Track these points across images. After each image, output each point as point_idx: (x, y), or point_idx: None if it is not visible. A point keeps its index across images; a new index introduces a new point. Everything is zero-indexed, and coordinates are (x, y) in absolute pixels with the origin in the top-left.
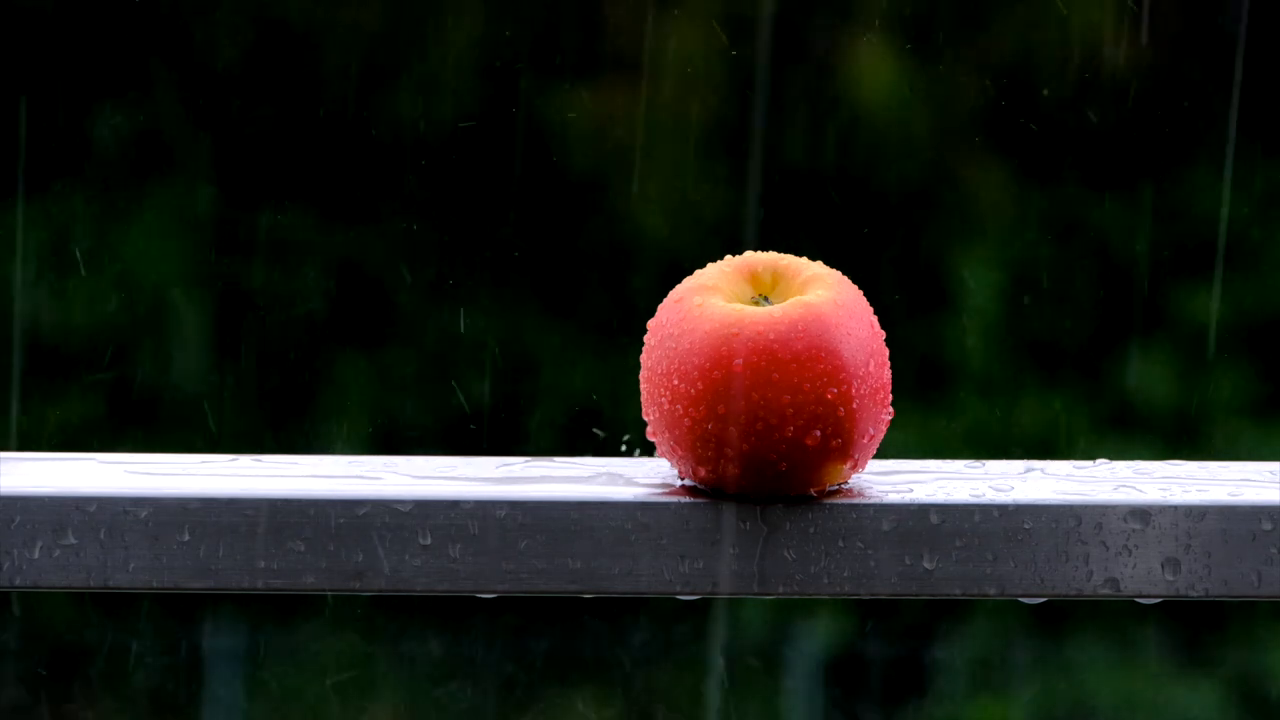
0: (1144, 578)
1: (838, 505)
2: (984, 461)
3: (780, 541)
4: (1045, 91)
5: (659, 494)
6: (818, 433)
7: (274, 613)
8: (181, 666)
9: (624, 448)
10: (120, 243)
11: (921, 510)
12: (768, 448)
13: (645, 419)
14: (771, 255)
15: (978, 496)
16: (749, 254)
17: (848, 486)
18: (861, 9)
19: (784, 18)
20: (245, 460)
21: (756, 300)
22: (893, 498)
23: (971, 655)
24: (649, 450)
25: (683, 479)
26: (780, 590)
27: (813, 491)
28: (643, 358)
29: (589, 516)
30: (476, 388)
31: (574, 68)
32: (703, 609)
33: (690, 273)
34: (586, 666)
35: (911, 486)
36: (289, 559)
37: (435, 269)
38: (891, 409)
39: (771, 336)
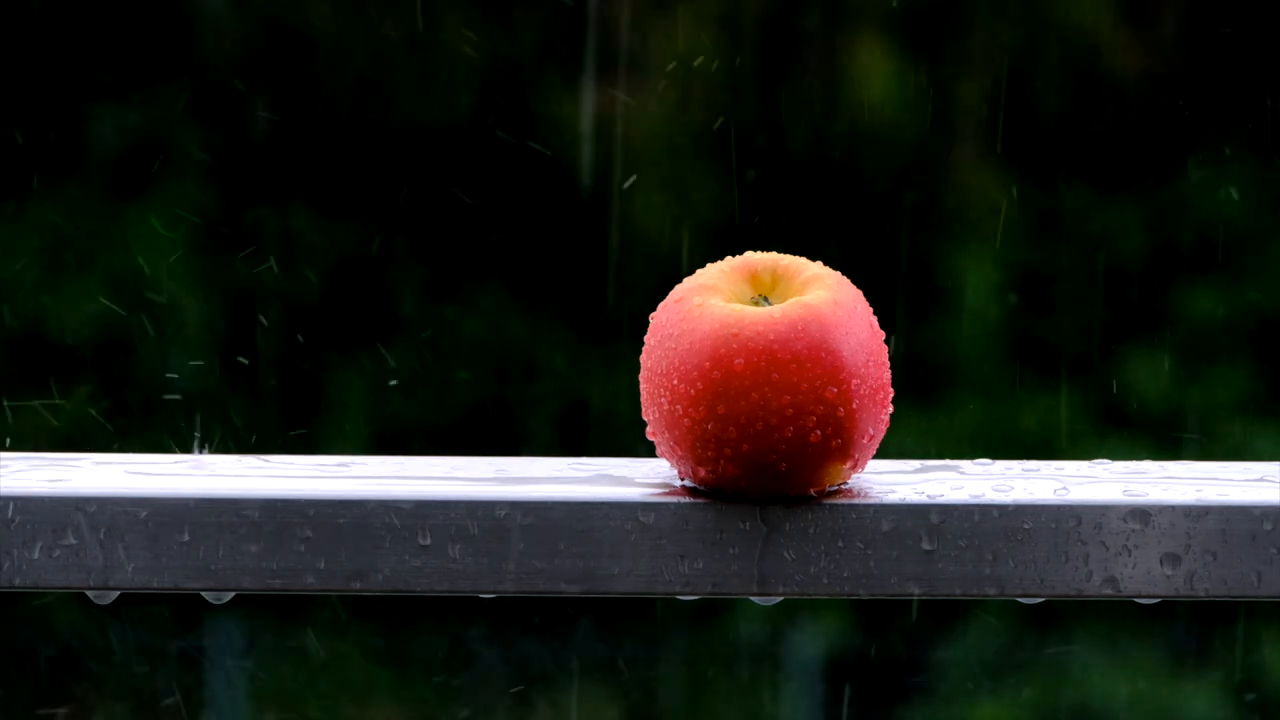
0: (1144, 578)
1: (838, 505)
2: (984, 461)
3: (780, 542)
4: (1044, 92)
5: (659, 494)
6: (818, 433)
7: (274, 613)
8: (181, 666)
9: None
10: (121, 242)
11: (921, 510)
12: (768, 448)
13: (645, 419)
14: (771, 255)
15: (978, 496)
16: (749, 254)
17: (848, 486)
18: (861, 9)
19: (784, 18)
20: (245, 460)
21: (756, 300)
22: (893, 498)
23: (971, 655)
24: (649, 450)
25: (683, 479)
26: (780, 590)
27: (813, 491)
28: (643, 358)
29: (589, 516)
30: (476, 388)
31: (574, 68)
32: (702, 609)
33: (690, 273)
34: (586, 666)
35: (911, 486)
36: (289, 559)
37: (435, 269)
38: (892, 408)
39: (771, 337)
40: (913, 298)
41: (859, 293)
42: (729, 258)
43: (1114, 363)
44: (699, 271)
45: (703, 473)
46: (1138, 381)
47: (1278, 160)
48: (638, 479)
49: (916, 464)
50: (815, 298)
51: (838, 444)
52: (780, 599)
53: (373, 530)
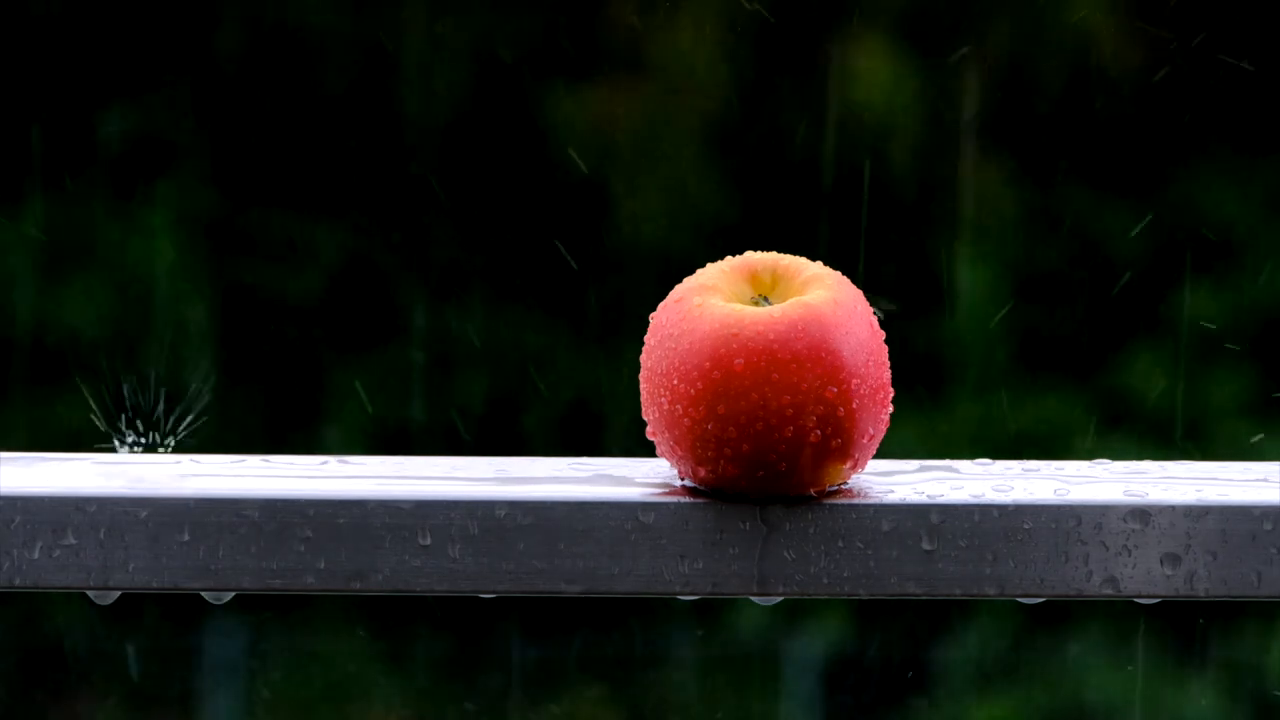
0: (1144, 578)
1: (838, 505)
2: (984, 461)
3: (780, 542)
4: (1044, 91)
5: (659, 494)
6: (818, 433)
7: (274, 613)
8: (181, 666)
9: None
10: (121, 242)
11: (921, 510)
12: (767, 448)
13: (645, 419)
14: (771, 255)
15: (978, 496)
16: (749, 254)
17: (848, 486)
18: (860, 9)
19: (783, 17)
20: (245, 460)
21: (756, 300)
22: (893, 498)
23: (971, 655)
24: (649, 450)
25: (683, 479)
26: (780, 590)
27: (813, 491)
28: (643, 358)
29: (589, 516)
30: (476, 388)
31: (574, 68)
32: (702, 609)
33: (690, 273)
34: (586, 666)
35: (911, 486)
36: (289, 559)
37: (435, 269)
38: (892, 408)
39: (771, 337)
40: (912, 297)
41: (859, 292)
42: (729, 258)
43: (1114, 363)
44: (699, 271)
45: (703, 473)
46: (1138, 381)
47: (1278, 159)
48: (638, 479)
49: (916, 464)
50: (815, 298)
51: (838, 444)
52: (780, 599)
53: (373, 530)
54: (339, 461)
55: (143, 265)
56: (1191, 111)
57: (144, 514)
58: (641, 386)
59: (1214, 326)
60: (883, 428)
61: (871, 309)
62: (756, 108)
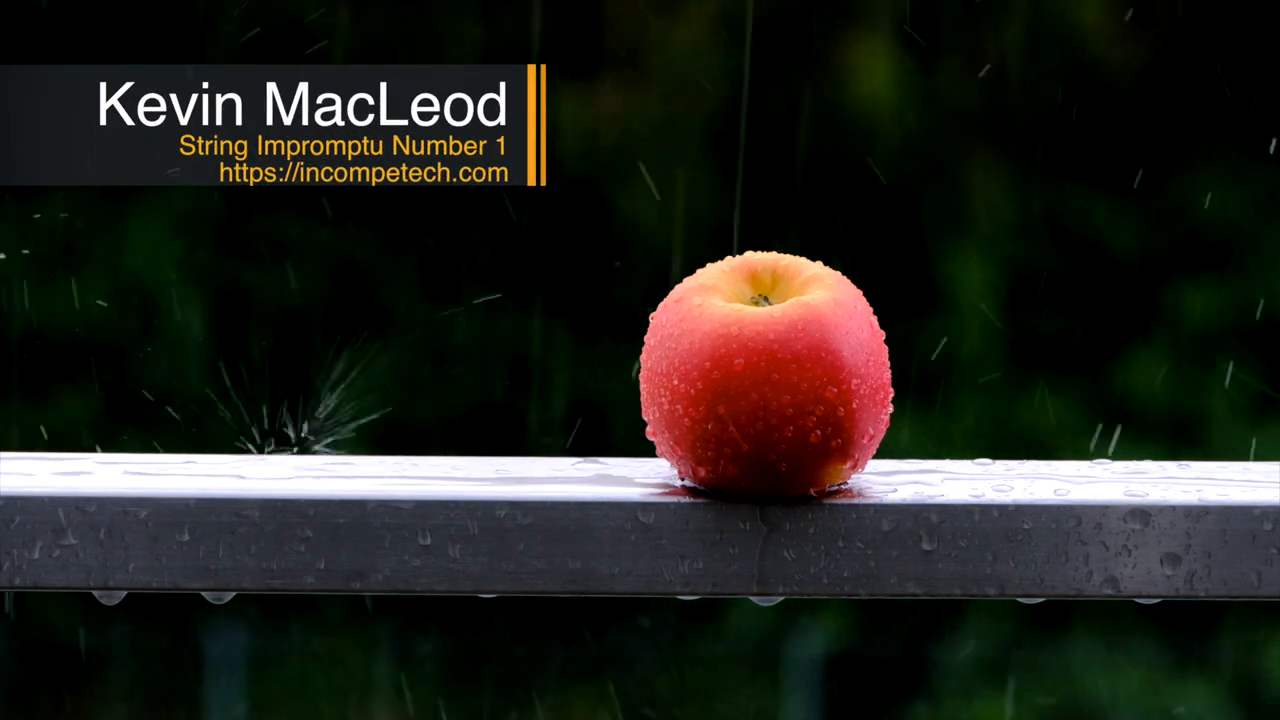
0: (1144, 578)
1: (838, 505)
2: (984, 461)
3: (780, 542)
4: (1043, 90)
5: (659, 494)
6: (818, 433)
7: (274, 613)
8: (182, 666)
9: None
10: (120, 242)
11: (921, 510)
12: (767, 448)
13: (645, 419)
14: (771, 255)
15: (978, 496)
16: (749, 254)
17: (848, 486)
18: (859, 8)
19: (782, 17)
20: (245, 460)
21: (756, 300)
22: (893, 498)
23: (971, 655)
24: (649, 450)
25: (683, 479)
26: (780, 590)
27: (813, 491)
28: (643, 357)
29: (589, 516)
30: (476, 387)
31: (574, 67)
32: (702, 609)
33: (689, 273)
34: (586, 666)
35: (911, 486)
36: (289, 559)
37: (434, 269)
38: (892, 408)
39: (771, 337)
40: (912, 297)
41: (859, 292)
42: (729, 258)
43: (1114, 363)
44: (699, 271)
45: (703, 473)
46: (1137, 381)
47: (1278, 159)
48: (638, 479)
49: (917, 464)
50: (815, 298)
51: (838, 444)
52: (780, 599)
53: (373, 530)
54: (339, 461)
55: (141, 265)
56: (1191, 110)
57: (144, 514)
58: (641, 386)
59: (1214, 325)
60: (883, 428)
61: (871, 309)
62: (756, 106)
